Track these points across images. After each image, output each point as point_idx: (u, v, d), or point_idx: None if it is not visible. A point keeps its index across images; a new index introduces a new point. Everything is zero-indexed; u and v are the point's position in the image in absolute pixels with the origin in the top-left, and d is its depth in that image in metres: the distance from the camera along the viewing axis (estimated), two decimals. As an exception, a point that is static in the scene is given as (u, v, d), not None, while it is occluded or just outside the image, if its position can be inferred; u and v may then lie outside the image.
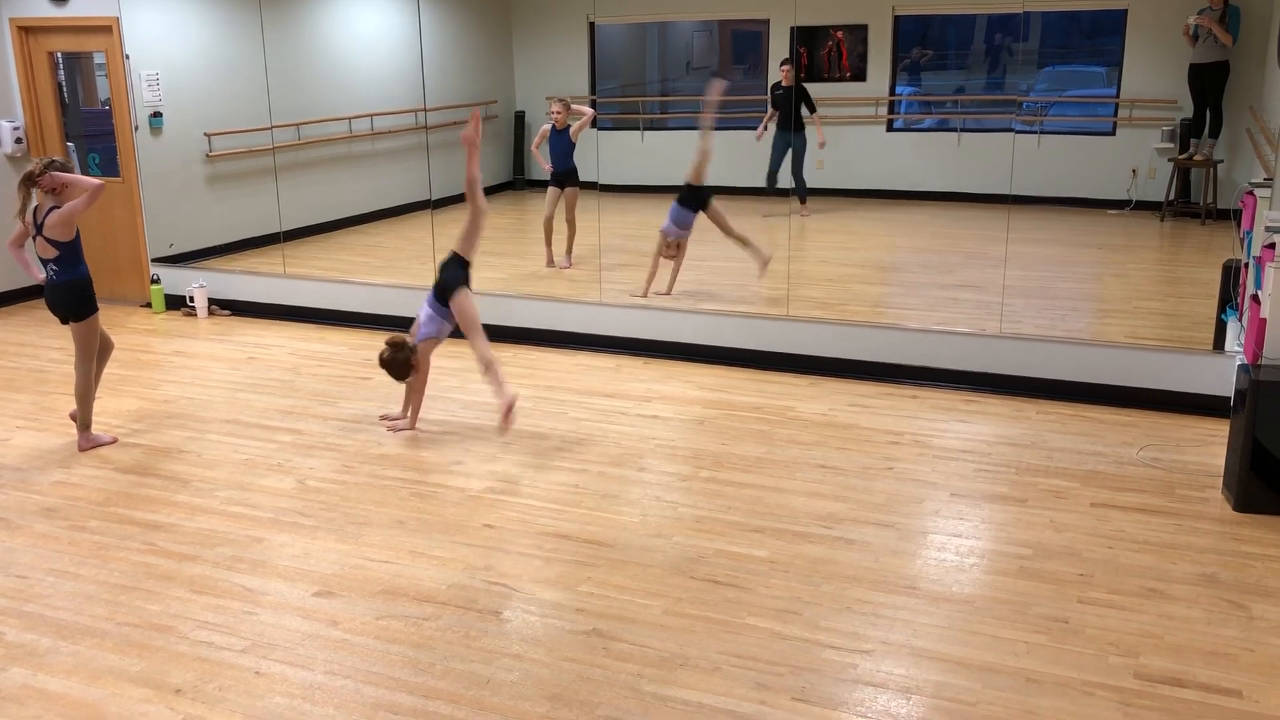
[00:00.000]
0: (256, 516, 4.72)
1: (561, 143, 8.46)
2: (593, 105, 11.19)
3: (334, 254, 9.08)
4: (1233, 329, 5.73)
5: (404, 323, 7.56)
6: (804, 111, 10.01)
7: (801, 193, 10.00)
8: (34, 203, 5.45)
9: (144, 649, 3.69)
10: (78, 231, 5.47)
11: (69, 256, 5.42)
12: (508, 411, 5.34)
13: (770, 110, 10.19)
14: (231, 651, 3.66)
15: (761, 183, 9.99)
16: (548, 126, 8.54)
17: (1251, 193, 5.39)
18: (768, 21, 10.73)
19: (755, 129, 10.21)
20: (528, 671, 3.52)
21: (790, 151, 9.97)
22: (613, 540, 4.43)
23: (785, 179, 9.97)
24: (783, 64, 10.09)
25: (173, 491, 5.01)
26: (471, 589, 4.05)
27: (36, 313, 8.46)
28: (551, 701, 3.35)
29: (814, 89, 10.24)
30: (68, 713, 3.35)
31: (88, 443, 5.58)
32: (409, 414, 5.80)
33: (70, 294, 5.43)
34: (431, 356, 5.76)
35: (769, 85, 10.39)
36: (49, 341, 7.60)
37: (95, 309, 5.51)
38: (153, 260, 8.52)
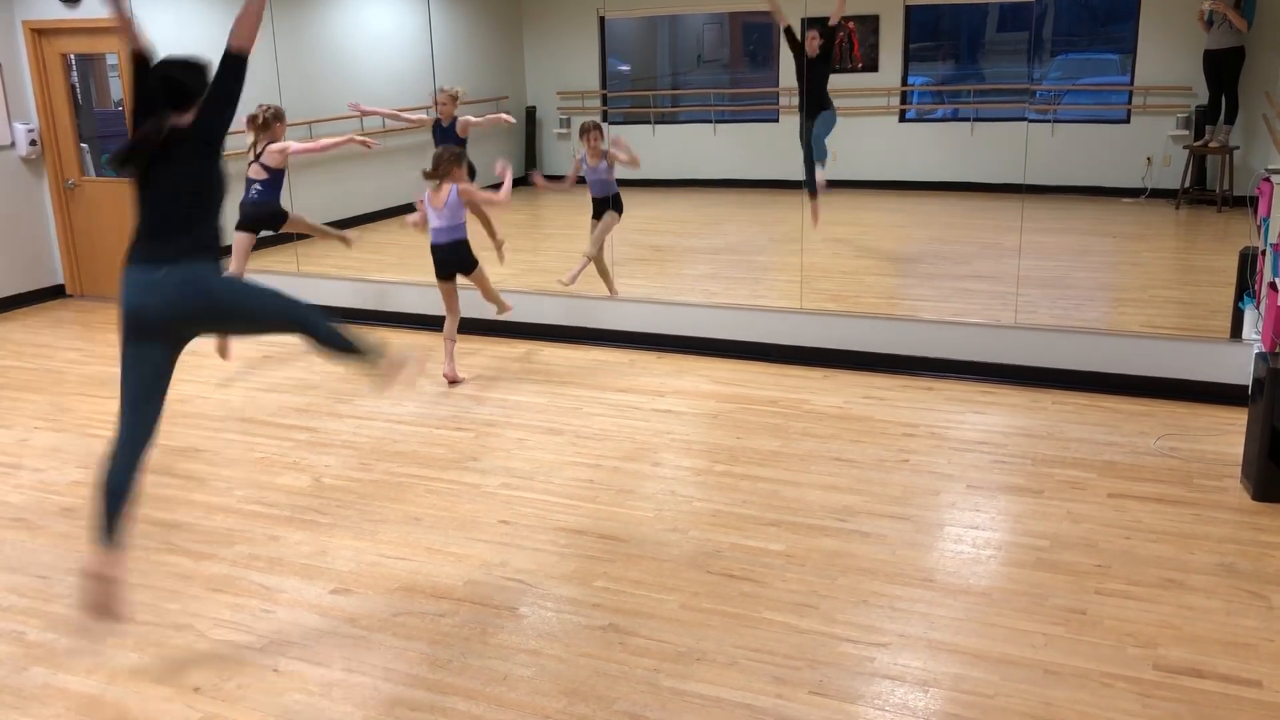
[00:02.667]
0: (273, 514, 4.74)
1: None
2: (603, 100, 11.20)
3: (347, 251, 9.10)
4: (1250, 317, 5.69)
5: (418, 319, 7.60)
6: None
7: (821, 156, 8.52)
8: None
9: (163, 648, 3.71)
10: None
11: (275, 181, 6.78)
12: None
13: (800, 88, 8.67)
14: (250, 649, 3.68)
15: (773, 175, 9.90)
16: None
17: (1268, 179, 5.34)
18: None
19: (767, 121, 10.02)
20: (544, 667, 3.52)
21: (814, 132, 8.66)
22: (628, 535, 4.43)
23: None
24: (810, 32, 8.61)
25: (190, 490, 5.03)
26: (488, 585, 4.06)
27: (53, 313, 8.52)
28: (568, 697, 3.36)
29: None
30: (88, 711, 3.38)
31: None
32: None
33: (274, 214, 6.83)
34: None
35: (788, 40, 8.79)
36: (66, 342, 7.64)
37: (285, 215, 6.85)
38: (167, 260, 8.55)
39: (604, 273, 7.45)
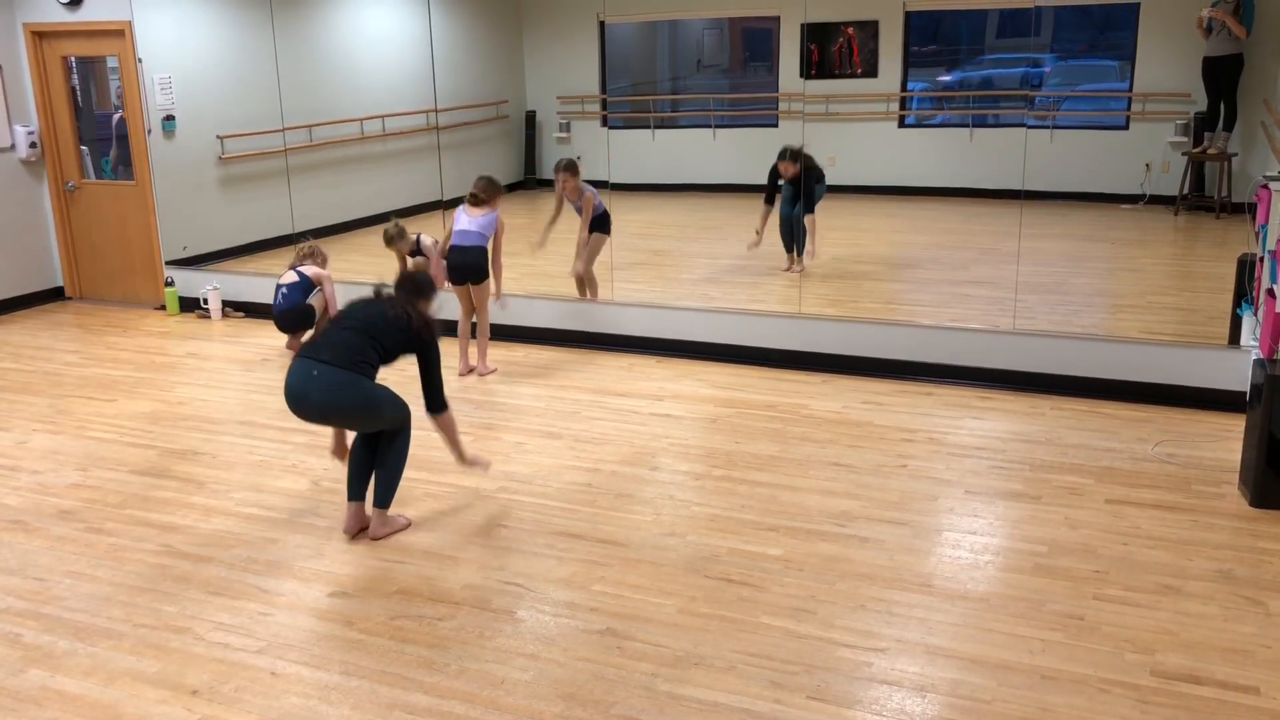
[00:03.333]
0: (271, 518, 4.74)
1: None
2: (603, 105, 11.21)
3: (346, 255, 9.10)
4: (1248, 323, 5.70)
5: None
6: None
7: (800, 242, 8.24)
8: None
9: (160, 650, 3.71)
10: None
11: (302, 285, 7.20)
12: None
13: (766, 208, 8.36)
14: (247, 652, 3.67)
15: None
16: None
17: (1266, 186, 5.35)
18: (778, 18, 10.71)
19: (762, 126, 10.07)
20: (542, 671, 3.52)
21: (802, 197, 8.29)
22: (626, 539, 4.43)
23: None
24: (782, 164, 8.22)
25: (188, 493, 5.03)
26: (486, 589, 4.06)
27: (51, 316, 8.52)
28: (566, 701, 3.36)
29: (825, 86, 10.17)
30: (85, 714, 3.37)
31: None
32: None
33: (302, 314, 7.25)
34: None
35: (768, 172, 8.38)
36: (65, 345, 7.64)
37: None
38: (166, 263, 8.56)
39: (591, 283, 7.44)
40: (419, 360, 4.39)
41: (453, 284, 6.58)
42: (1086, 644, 3.60)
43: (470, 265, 6.46)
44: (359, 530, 4.52)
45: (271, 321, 7.31)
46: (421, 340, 4.38)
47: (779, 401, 6.05)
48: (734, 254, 8.87)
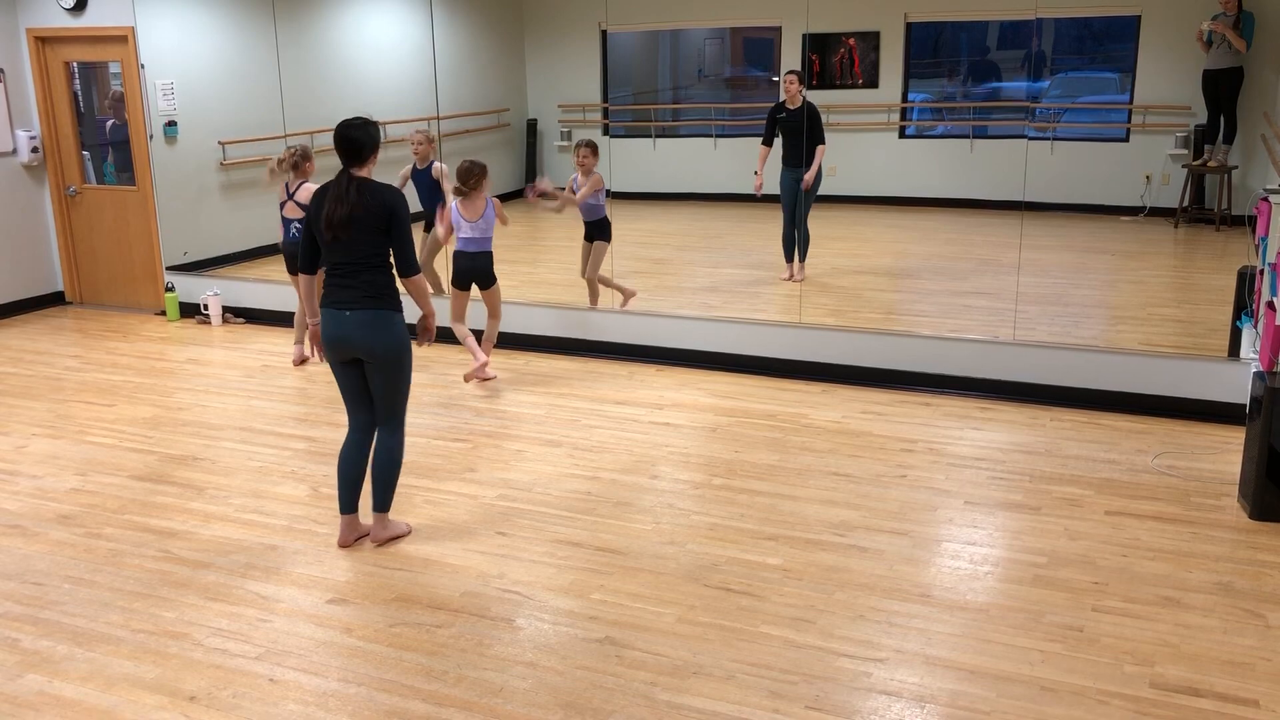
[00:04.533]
0: (270, 524, 4.74)
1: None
2: (604, 114, 11.23)
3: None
4: (1248, 336, 5.70)
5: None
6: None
7: (803, 247, 8.29)
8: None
9: (159, 656, 3.70)
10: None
11: None
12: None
13: (764, 149, 8.33)
14: (246, 659, 3.67)
15: (773, 190, 9.87)
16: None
17: (1266, 199, 5.36)
18: (779, 29, 10.73)
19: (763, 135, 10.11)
20: (541, 679, 3.52)
21: (798, 195, 8.28)
22: (625, 548, 4.43)
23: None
24: (789, 75, 8.35)
25: (187, 499, 5.03)
26: (484, 596, 4.06)
27: (52, 320, 8.52)
28: (565, 709, 3.35)
29: (826, 96, 10.20)
30: (83, 719, 3.37)
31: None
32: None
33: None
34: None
35: (770, 109, 8.43)
36: (65, 349, 7.64)
37: None
38: (167, 268, 8.57)
39: (607, 287, 7.44)
40: (393, 230, 4.26)
41: (457, 288, 6.54)
42: (1086, 655, 3.60)
43: (480, 270, 6.44)
44: (355, 541, 4.52)
45: (266, 327, 7.25)
46: (395, 214, 4.25)
47: (779, 411, 6.05)
48: (735, 263, 8.88)
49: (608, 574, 4.21)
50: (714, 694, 3.41)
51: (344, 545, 4.50)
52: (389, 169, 10.26)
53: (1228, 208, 8.54)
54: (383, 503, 4.49)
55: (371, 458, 4.46)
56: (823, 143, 8.18)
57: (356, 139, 4.28)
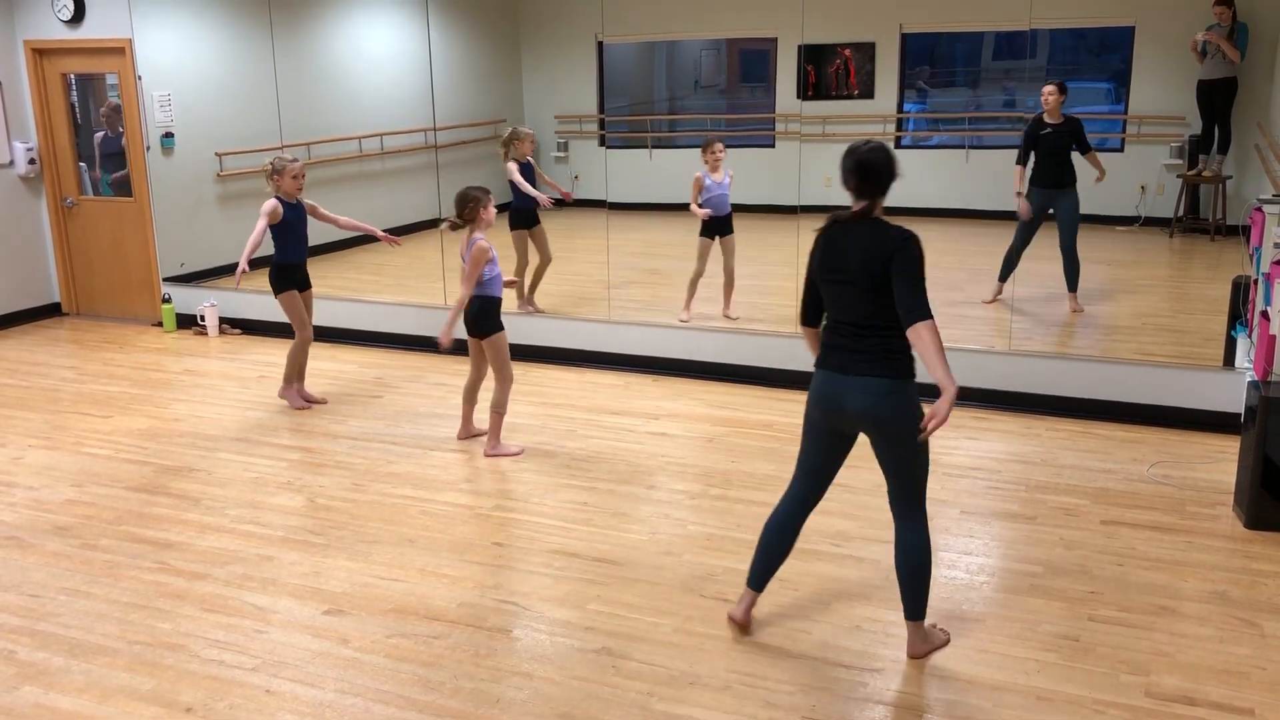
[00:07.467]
0: (267, 535, 4.74)
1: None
2: (601, 125, 11.26)
3: (343, 272, 9.12)
4: (1242, 345, 5.72)
5: (413, 340, 7.60)
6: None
7: (1073, 277, 7.45)
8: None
9: (155, 667, 3.70)
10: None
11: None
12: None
13: (1019, 168, 7.45)
14: (242, 670, 3.67)
15: (769, 199, 9.78)
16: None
17: (1260, 209, 5.38)
18: (775, 40, 10.77)
19: (759, 147, 10.10)
20: (537, 690, 3.52)
21: (1057, 218, 7.46)
22: (622, 558, 4.43)
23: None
24: (1049, 86, 7.37)
25: (183, 510, 5.03)
26: (481, 607, 4.06)
27: (48, 332, 8.52)
28: (561, 720, 3.35)
29: (822, 107, 10.20)
30: (79, 731, 3.36)
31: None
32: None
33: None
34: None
35: (1028, 126, 7.51)
36: (61, 361, 7.64)
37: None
38: (164, 279, 8.57)
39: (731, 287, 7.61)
40: None
41: (468, 333, 5.59)
42: (1082, 665, 3.60)
43: (468, 317, 5.45)
44: (746, 617, 3.88)
45: (262, 338, 7.19)
46: None
47: (775, 421, 6.06)
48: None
49: (604, 584, 4.21)
50: (710, 704, 3.41)
51: (739, 623, 3.84)
52: (387, 183, 10.28)
53: (1222, 218, 8.57)
54: (916, 610, 3.65)
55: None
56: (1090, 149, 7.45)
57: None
